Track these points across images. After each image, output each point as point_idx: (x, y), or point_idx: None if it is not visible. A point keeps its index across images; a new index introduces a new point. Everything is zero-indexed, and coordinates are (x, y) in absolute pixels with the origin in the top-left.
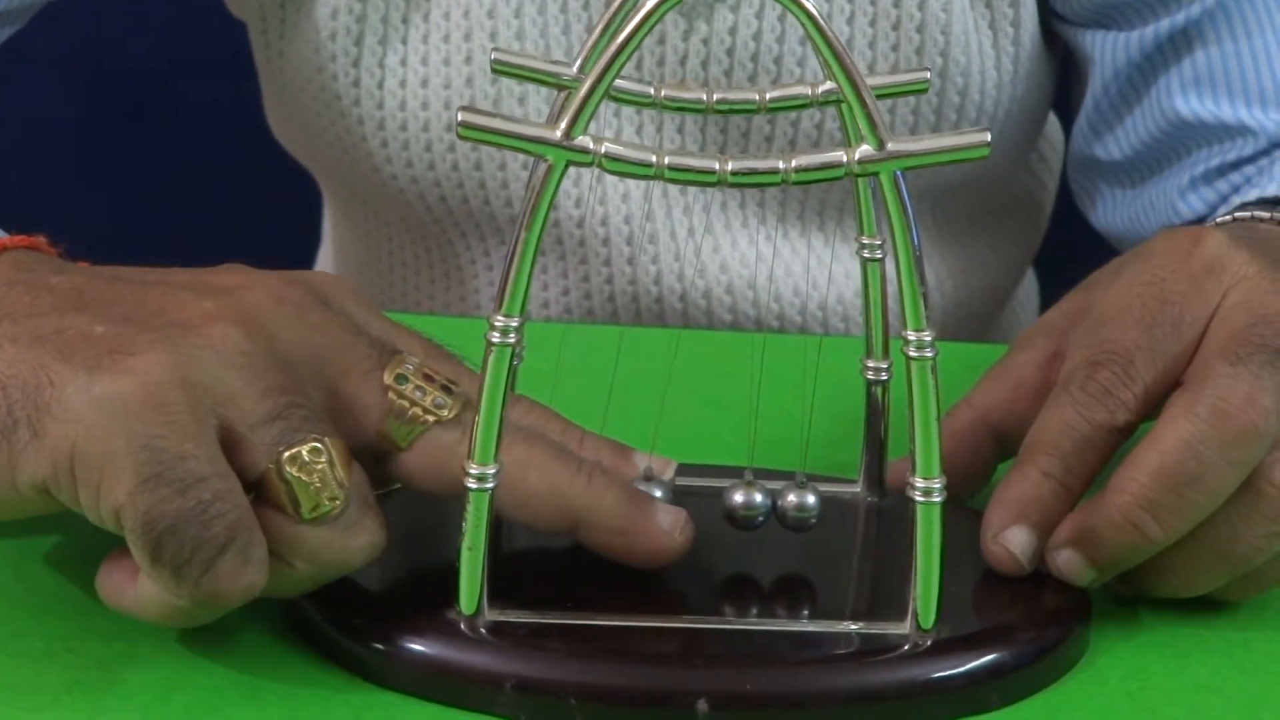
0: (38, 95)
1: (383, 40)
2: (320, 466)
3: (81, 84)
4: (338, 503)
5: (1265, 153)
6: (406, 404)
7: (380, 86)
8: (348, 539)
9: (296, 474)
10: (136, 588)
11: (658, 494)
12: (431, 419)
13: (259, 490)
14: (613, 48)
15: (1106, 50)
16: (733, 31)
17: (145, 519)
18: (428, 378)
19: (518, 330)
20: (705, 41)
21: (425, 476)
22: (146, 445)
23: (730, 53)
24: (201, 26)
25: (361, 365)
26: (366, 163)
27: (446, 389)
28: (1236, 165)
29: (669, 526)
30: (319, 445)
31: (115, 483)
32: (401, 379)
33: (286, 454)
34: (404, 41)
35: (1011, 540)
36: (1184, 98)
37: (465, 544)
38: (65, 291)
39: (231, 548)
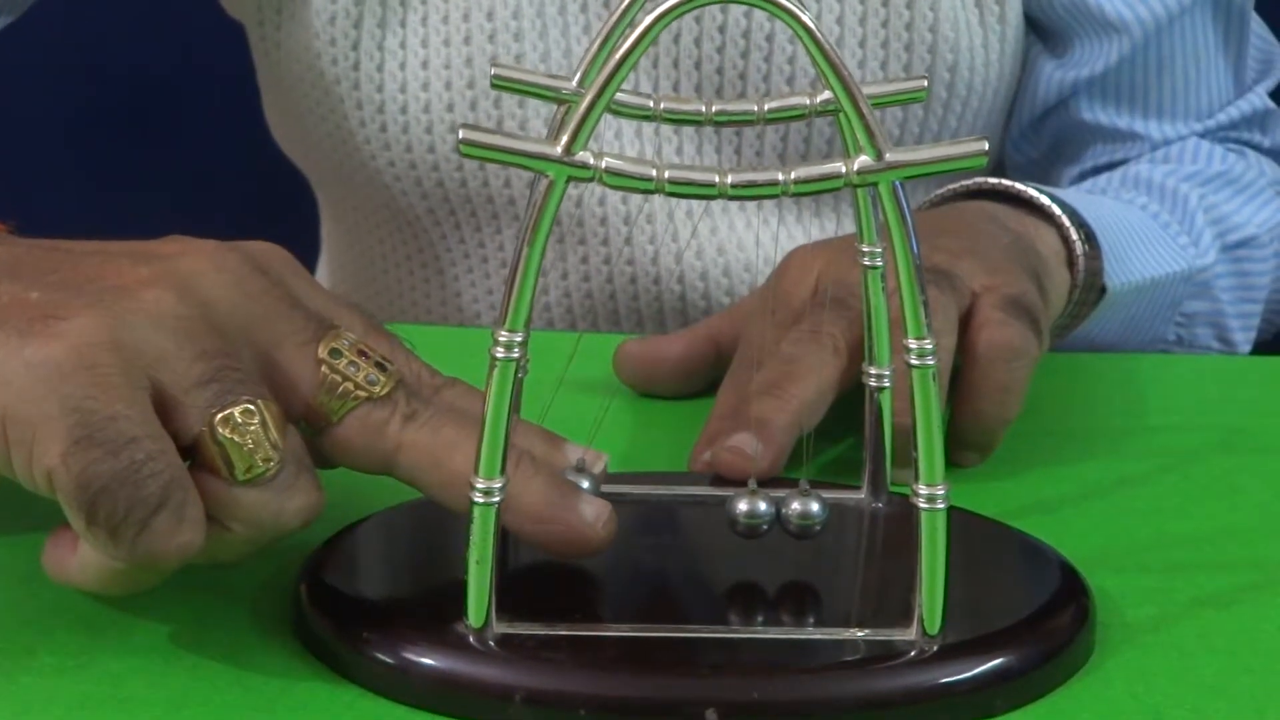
0: (36, 98)
1: (381, 23)
2: (253, 428)
3: (81, 89)
4: (272, 464)
5: (1145, 154)
6: (339, 379)
7: (380, 70)
8: (284, 500)
9: (229, 435)
10: (77, 556)
11: (585, 485)
12: (363, 395)
13: (194, 453)
14: (611, 63)
15: (1043, 79)
16: (725, 9)
17: (78, 480)
18: (362, 354)
19: (521, 345)
20: (698, 20)
21: (355, 452)
22: (78, 407)
23: (723, 30)
24: (203, 30)
25: (296, 337)
26: (363, 152)
27: (381, 366)
28: (1123, 165)
29: (591, 518)
30: (251, 407)
31: (47, 445)
32: (336, 353)
33: (219, 415)
34: (402, 24)
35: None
36: (1090, 111)
37: (473, 557)
38: (4, 261)
39: (166, 507)
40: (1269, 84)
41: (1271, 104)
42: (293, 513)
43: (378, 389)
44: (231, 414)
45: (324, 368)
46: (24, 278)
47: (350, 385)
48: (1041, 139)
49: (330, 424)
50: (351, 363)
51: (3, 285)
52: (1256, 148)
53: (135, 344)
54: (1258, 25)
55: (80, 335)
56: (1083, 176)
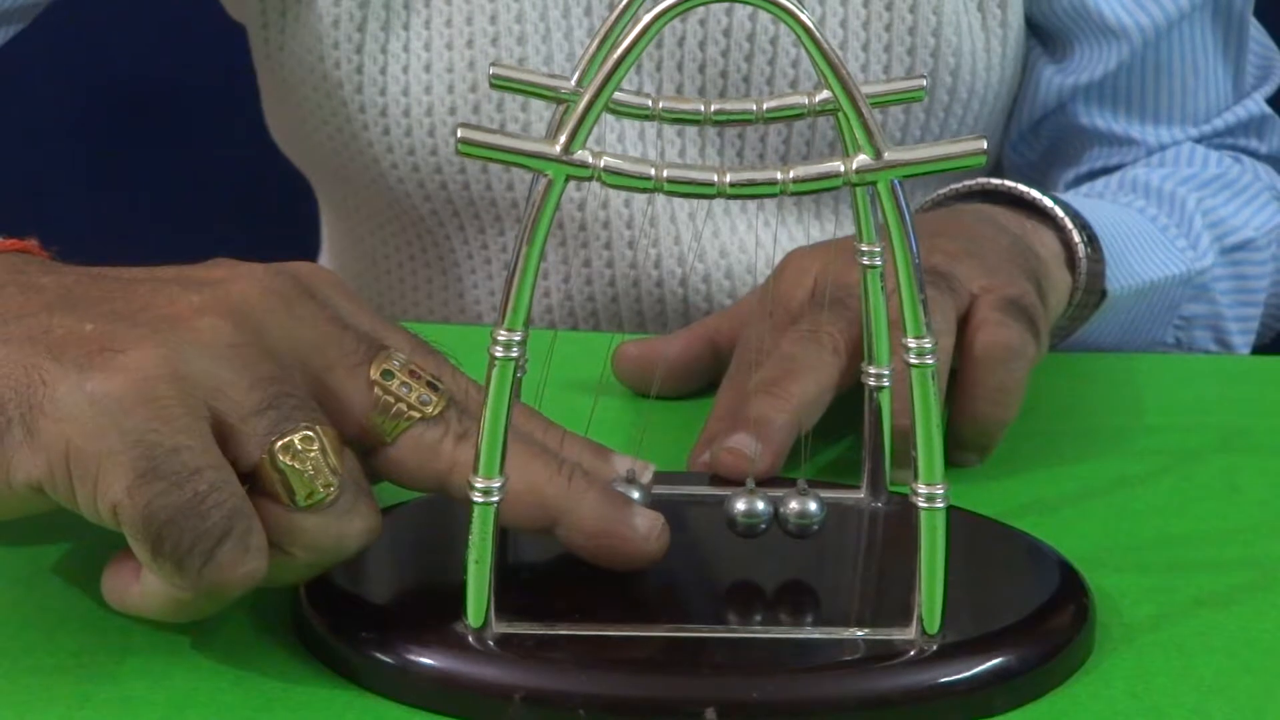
0: (38, 100)
1: (385, 26)
2: (313, 454)
3: (83, 91)
4: (332, 489)
5: (1141, 159)
6: (392, 399)
7: (383, 73)
8: (344, 525)
9: (290, 462)
10: (140, 585)
11: (635, 496)
12: (416, 415)
13: (254, 481)
14: (610, 62)
15: (1042, 83)
16: (729, 11)
17: (144, 514)
18: (413, 374)
19: (521, 344)
20: (702, 22)
21: (408, 472)
22: (140, 440)
23: (727, 33)
24: (204, 33)
25: (348, 359)
26: (366, 154)
27: (432, 385)
28: (1119, 169)
29: (645, 531)
30: (310, 433)
31: (112, 479)
32: (388, 374)
33: (279, 443)
34: (406, 27)
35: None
36: (1088, 115)
37: (472, 557)
38: (55, 291)
39: (230, 537)
40: (1267, 90)
41: (1269, 110)
42: (353, 537)
43: (430, 409)
44: (291, 441)
45: (377, 389)
46: (77, 309)
47: (403, 406)
48: (1039, 142)
49: (384, 444)
50: (404, 383)
51: (56, 317)
52: (1253, 154)
53: (193, 374)
54: (1257, 31)
55: (139, 368)
56: (1079, 180)
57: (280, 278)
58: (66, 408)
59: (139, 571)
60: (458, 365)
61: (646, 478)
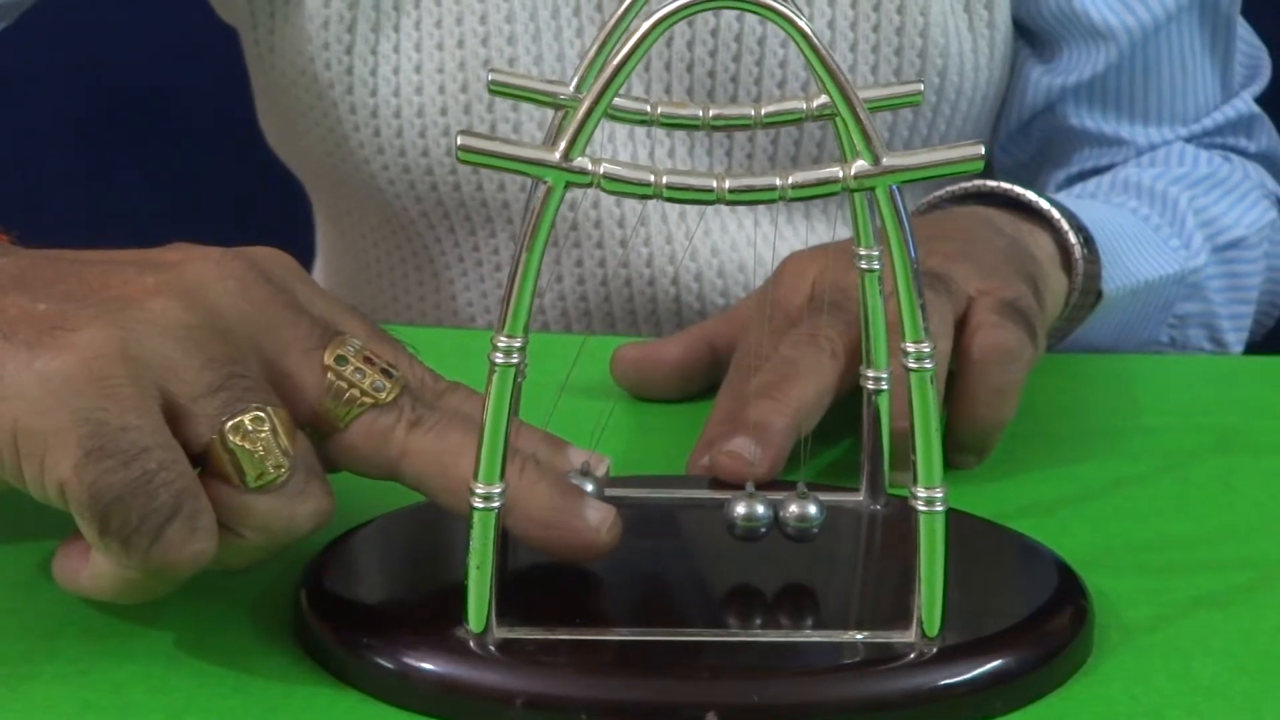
0: (31, 103)
1: (375, 27)
2: (264, 435)
3: (76, 94)
4: (283, 470)
5: (1131, 159)
6: (345, 385)
7: (374, 74)
8: (295, 506)
9: (240, 443)
10: (90, 565)
11: (589, 488)
12: (369, 401)
13: (205, 461)
14: (609, 68)
15: (1030, 84)
16: (716, 12)
17: (91, 491)
18: (368, 360)
19: (521, 350)
20: (690, 23)
21: (361, 458)
22: (89, 419)
23: (715, 34)
24: (197, 35)
25: (302, 343)
26: (357, 155)
27: (386, 372)
28: (1110, 169)
29: (596, 523)
30: (261, 414)
31: (59, 457)
32: (341, 360)
33: (229, 423)
34: (396, 28)
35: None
36: (1077, 116)
37: (473, 562)
38: (10, 272)
39: (179, 516)
40: (1255, 89)
41: (1257, 109)
42: (304, 518)
43: (384, 395)
44: (241, 421)
45: (330, 374)
46: (30, 289)
47: (356, 392)
48: (1029, 142)
49: (336, 430)
50: (357, 369)
51: (9, 297)
52: (1242, 153)
53: (144, 354)
54: (1244, 30)
55: (90, 347)
56: (1069, 180)
57: (237, 261)
58: (14, 385)
59: (88, 553)
60: (415, 354)
61: (601, 471)
